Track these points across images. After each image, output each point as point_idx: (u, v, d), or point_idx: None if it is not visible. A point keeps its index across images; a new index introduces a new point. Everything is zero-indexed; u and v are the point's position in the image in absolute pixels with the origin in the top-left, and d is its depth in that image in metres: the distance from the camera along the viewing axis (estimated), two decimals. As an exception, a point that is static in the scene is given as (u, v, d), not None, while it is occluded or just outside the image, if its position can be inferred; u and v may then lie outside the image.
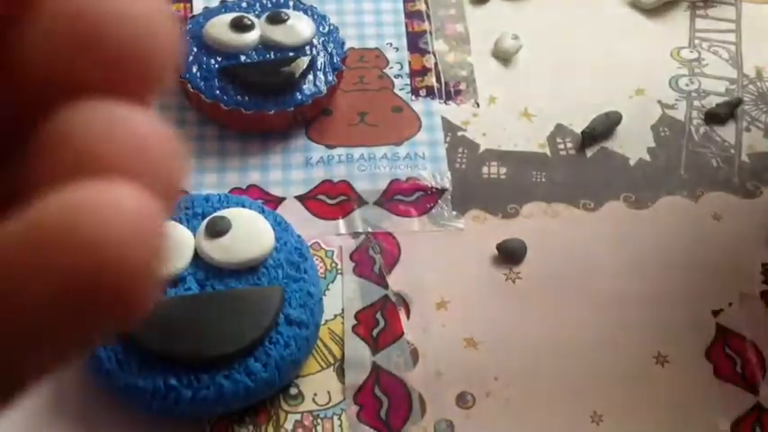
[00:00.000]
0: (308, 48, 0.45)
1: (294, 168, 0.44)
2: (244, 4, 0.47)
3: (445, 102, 0.47)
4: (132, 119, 0.12)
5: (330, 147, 0.45)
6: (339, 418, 0.36)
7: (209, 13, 0.46)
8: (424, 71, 0.49)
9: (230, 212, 0.37)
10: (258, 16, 0.46)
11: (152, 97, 0.13)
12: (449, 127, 0.46)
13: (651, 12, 0.53)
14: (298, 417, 0.36)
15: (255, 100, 0.43)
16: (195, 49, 0.45)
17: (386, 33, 0.50)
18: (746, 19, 0.53)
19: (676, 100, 0.48)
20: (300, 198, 0.43)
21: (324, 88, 0.44)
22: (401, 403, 0.36)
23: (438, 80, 0.48)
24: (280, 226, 0.38)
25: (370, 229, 0.42)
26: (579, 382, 0.37)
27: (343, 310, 0.39)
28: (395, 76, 0.48)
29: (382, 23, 0.51)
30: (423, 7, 0.52)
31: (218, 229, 0.36)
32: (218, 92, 0.43)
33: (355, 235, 0.42)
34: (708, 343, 0.39)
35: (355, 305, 0.39)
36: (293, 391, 0.36)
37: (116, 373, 0.34)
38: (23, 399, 0.12)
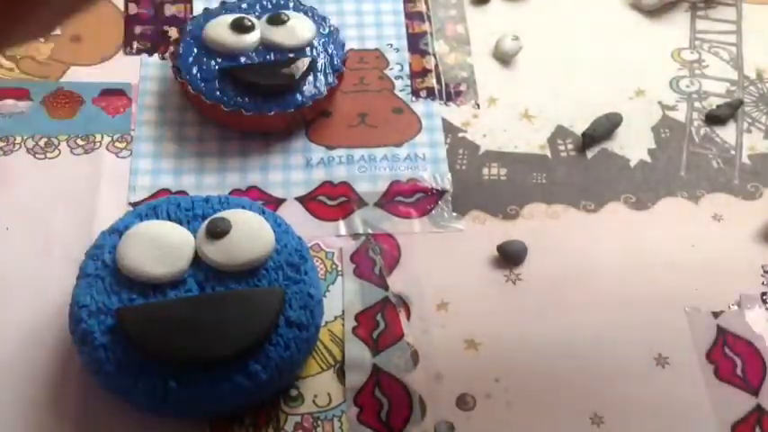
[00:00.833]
0: (308, 49, 0.45)
1: (294, 169, 0.44)
2: (244, 6, 0.47)
3: (445, 103, 0.47)
4: None
5: (330, 148, 0.45)
6: (339, 420, 0.36)
7: (209, 15, 0.46)
8: (425, 72, 0.49)
9: (230, 214, 0.37)
10: (258, 17, 0.46)
11: None
12: (449, 128, 0.46)
13: (652, 13, 0.53)
14: (298, 418, 0.36)
15: (256, 101, 0.43)
16: (195, 51, 0.45)
17: (386, 34, 0.50)
18: (747, 20, 0.53)
19: (677, 101, 0.48)
20: (301, 199, 0.43)
21: (324, 89, 0.44)
22: (401, 405, 0.36)
23: (438, 81, 0.48)
24: (280, 227, 0.38)
25: (370, 231, 0.42)
26: (579, 383, 0.37)
27: (343, 311, 0.39)
28: (395, 78, 0.48)
29: (382, 24, 0.51)
30: (423, 8, 0.52)
31: (218, 231, 0.36)
32: (218, 93, 0.43)
33: (356, 236, 0.42)
34: (708, 344, 0.39)
35: (355, 307, 0.39)
36: (293, 392, 0.36)
37: (116, 374, 0.34)
38: None
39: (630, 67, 0.50)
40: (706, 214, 0.43)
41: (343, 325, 0.39)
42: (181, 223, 0.37)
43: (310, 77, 0.44)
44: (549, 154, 0.46)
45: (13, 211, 0.41)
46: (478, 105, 0.47)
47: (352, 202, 0.43)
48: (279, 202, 0.43)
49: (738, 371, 0.38)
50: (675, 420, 0.36)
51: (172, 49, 0.46)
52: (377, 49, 0.50)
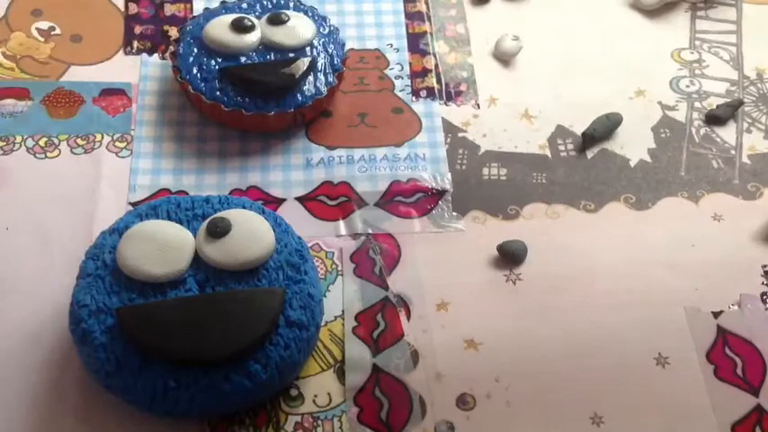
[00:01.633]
0: (308, 49, 0.45)
1: (294, 169, 0.44)
2: (244, 5, 0.47)
3: (446, 103, 0.47)
4: None
5: (330, 148, 0.45)
6: (339, 420, 0.36)
7: (209, 15, 0.46)
8: (425, 72, 0.49)
9: (231, 214, 0.37)
10: (259, 17, 0.46)
11: None
12: (449, 128, 0.46)
13: (651, 13, 0.53)
14: (298, 418, 0.36)
15: (256, 101, 0.43)
16: (195, 51, 0.45)
17: (386, 34, 0.50)
18: (747, 20, 0.53)
19: (677, 101, 0.48)
20: (301, 199, 0.43)
21: (324, 89, 0.44)
22: (401, 405, 0.36)
23: (438, 81, 0.48)
24: (280, 227, 0.38)
25: (370, 231, 0.42)
26: (579, 383, 0.37)
27: (343, 311, 0.39)
28: (395, 78, 0.48)
29: (383, 24, 0.51)
30: (423, 8, 0.52)
31: (218, 231, 0.36)
32: (218, 93, 0.43)
33: (356, 236, 0.42)
34: (708, 344, 0.39)
35: (355, 307, 0.39)
36: (293, 392, 0.36)
37: (116, 374, 0.34)
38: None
39: (630, 67, 0.50)
40: (706, 214, 0.43)
41: (343, 325, 0.39)
42: (181, 223, 0.37)
43: (310, 77, 0.44)
44: (549, 154, 0.46)
45: (13, 211, 0.41)
46: (478, 105, 0.47)
47: (353, 202, 0.43)
48: (279, 202, 0.43)
49: (738, 371, 0.38)
50: (675, 420, 0.36)
51: (172, 49, 0.46)
52: (377, 49, 0.50)
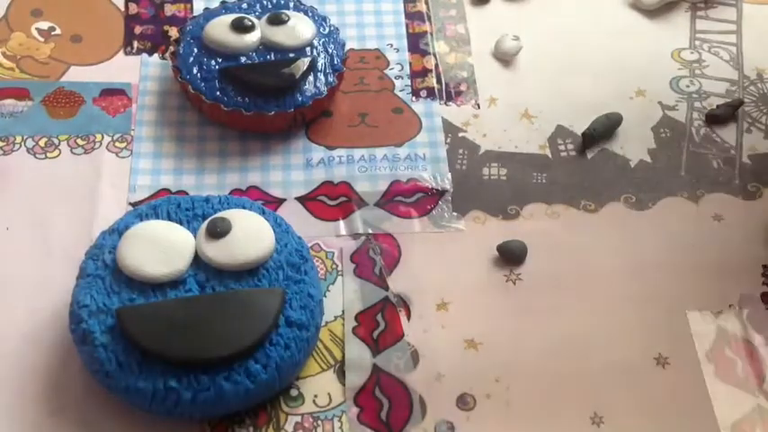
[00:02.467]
0: (308, 49, 0.45)
1: (294, 169, 0.44)
2: (244, 6, 0.47)
3: (446, 103, 0.47)
4: None
5: (330, 148, 0.45)
6: (339, 420, 0.36)
7: (209, 15, 0.46)
8: (425, 72, 0.49)
9: (231, 214, 0.37)
10: (259, 17, 0.46)
11: None
12: (449, 128, 0.46)
13: (652, 13, 0.53)
14: (298, 418, 0.36)
15: (256, 101, 0.43)
16: (195, 51, 0.45)
17: (386, 34, 0.50)
18: (747, 20, 0.53)
19: (677, 101, 0.48)
20: (301, 199, 0.43)
21: (324, 89, 0.44)
22: (402, 405, 0.36)
23: (438, 81, 0.48)
24: (280, 227, 0.38)
25: (370, 231, 0.42)
26: (579, 383, 0.37)
27: (343, 311, 0.39)
28: (395, 78, 0.48)
29: (383, 24, 0.51)
30: (423, 8, 0.52)
31: (218, 231, 0.36)
32: (218, 93, 0.43)
33: (356, 236, 0.42)
34: (709, 344, 0.39)
35: (356, 307, 0.39)
36: (293, 392, 0.36)
37: (116, 374, 0.34)
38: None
39: (630, 67, 0.50)
40: (706, 214, 0.43)
41: (343, 325, 0.38)
42: (181, 223, 0.37)
43: (310, 77, 0.44)
44: (549, 154, 0.46)
45: (13, 211, 0.41)
46: (479, 105, 0.47)
47: (353, 202, 0.43)
48: (279, 202, 0.43)
49: (738, 371, 0.38)
50: (675, 420, 0.36)
51: (172, 49, 0.46)
52: (377, 49, 0.50)
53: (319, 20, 0.47)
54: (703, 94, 0.49)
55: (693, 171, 0.45)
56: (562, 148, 0.46)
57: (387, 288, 0.40)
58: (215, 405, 0.34)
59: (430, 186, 0.44)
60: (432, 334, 0.38)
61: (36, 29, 0.49)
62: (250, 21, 0.45)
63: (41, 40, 0.48)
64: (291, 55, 0.45)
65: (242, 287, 0.35)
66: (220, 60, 0.44)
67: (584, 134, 0.46)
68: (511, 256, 0.41)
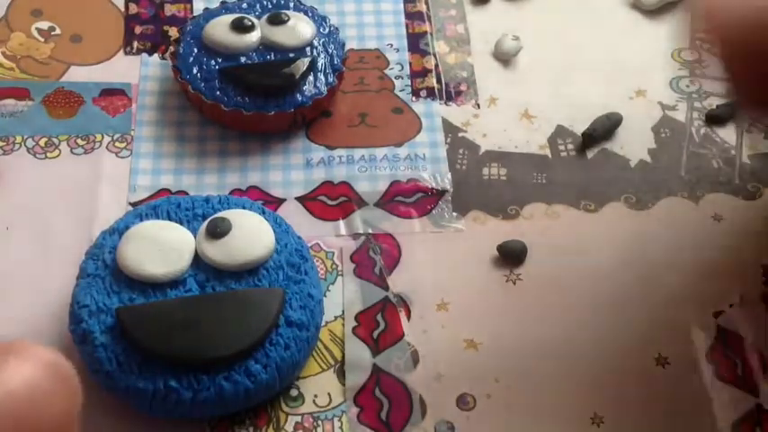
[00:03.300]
0: (308, 49, 0.45)
1: (294, 169, 0.44)
2: (244, 5, 0.47)
3: (446, 103, 0.47)
4: None
5: (330, 148, 0.45)
6: (339, 420, 0.36)
7: (209, 15, 0.46)
8: (425, 72, 0.49)
9: (231, 214, 0.37)
10: (258, 17, 0.46)
11: None
12: (449, 128, 0.46)
13: (652, 12, 0.53)
14: (298, 418, 0.36)
15: (256, 101, 0.43)
16: (195, 51, 0.45)
17: (386, 34, 0.50)
18: (747, 20, 0.53)
19: (677, 101, 0.48)
20: (301, 199, 0.43)
21: (324, 89, 0.44)
22: (401, 405, 0.36)
23: (438, 81, 0.48)
24: (280, 227, 0.38)
25: (370, 231, 0.42)
26: (580, 383, 0.37)
27: (343, 311, 0.39)
28: (395, 78, 0.48)
29: (383, 24, 0.51)
30: (423, 8, 0.52)
31: (218, 231, 0.36)
32: (218, 93, 0.43)
33: (356, 236, 0.42)
34: (708, 344, 0.39)
35: (356, 307, 0.39)
36: (293, 392, 0.36)
37: (116, 374, 0.34)
38: None
39: (630, 66, 0.50)
40: (706, 214, 0.43)
41: (343, 325, 0.39)
42: (181, 223, 0.37)
43: (310, 77, 0.44)
44: (549, 154, 0.46)
45: (13, 211, 0.41)
46: (479, 105, 0.47)
47: (353, 202, 0.43)
48: (279, 202, 0.43)
49: (738, 371, 0.38)
50: (675, 420, 0.36)
51: (172, 49, 0.46)
52: (377, 49, 0.50)
53: (319, 20, 0.47)
54: (703, 95, 0.49)
55: (693, 171, 0.45)
56: (562, 148, 0.46)
57: (387, 288, 0.40)
58: (215, 405, 0.34)
59: (430, 186, 0.44)
60: (432, 334, 0.38)
61: (36, 29, 0.49)
62: (250, 21, 0.45)
63: (41, 40, 0.48)
64: (291, 55, 0.45)
65: (242, 287, 0.35)
66: (220, 60, 0.44)
67: (584, 134, 0.46)
68: (511, 256, 0.41)
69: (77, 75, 0.47)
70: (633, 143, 0.46)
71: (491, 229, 0.42)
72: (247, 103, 0.43)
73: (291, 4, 0.47)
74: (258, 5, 0.47)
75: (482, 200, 0.43)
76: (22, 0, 0.50)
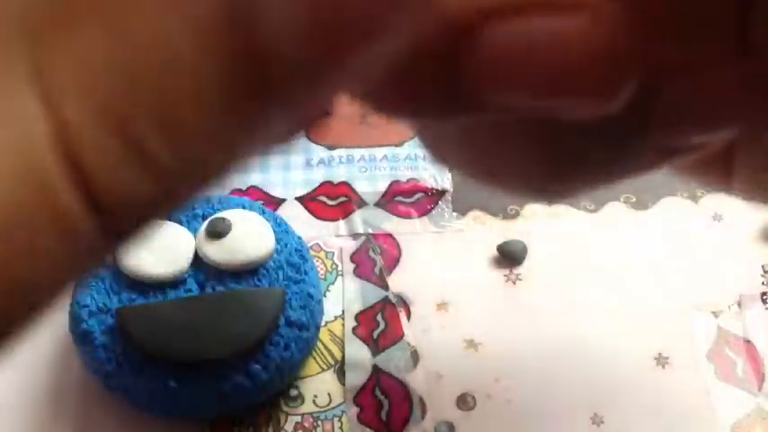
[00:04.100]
0: (308, 49, 0.45)
1: (294, 169, 0.44)
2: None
3: (446, 103, 0.47)
4: None
5: (330, 148, 0.45)
6: (339, 420, 0.36)
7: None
8: (425, 72, 0.48)
9: (230, 214, 0.37)
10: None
11: None
12: (449, 128, 0.46)
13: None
14: (298, 418, 0.36)
15: (256, 101, 0.43)
16: (195, 51, 0.45)
17: (386, 34, 0.50)
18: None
19: (677, 101, 0.48)
20: (301, 199, 0.43)
21: (324, 89, 0.44)
22: (401, 405, 0.36)
23: (438, 81, 0.48)
24: (280, 227, 0.38)
25: (370, 231, 0.42)
26: (579, 383, 0.37)
27: (343, 311, 0.39)
28: (395, 77, 0.48)
29: (383, 24, 0.51)
30: (423, 8, 0.52)
31: (218, 231, 0.36)
32: (218, 93, 0.43)
33: (356, 236, 0.42)
34: (708, 345, 0.39)
35: (355, 307, 0.39)
36: (293, 392, 0.36)
37: (116, 374, 0.34)
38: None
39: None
40: (706, 214, 0.43)
41: (343, 325, 0.38)
42: (181, 223, 0.37)
43: (310, 77, 0.44)
44: (549, 154, 0.45)
45: (13, 211, 0.41)
46: (478, 105, 0.47)
47: (353, 202, 0.43)
48: (279, 202, 0.43)
49: (738, 371, 0.38)
50: (675, 420, 0.36)
51: (172, 48, 0.45)
52: (377, 49, 0.49)
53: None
54: (703, 94, 0.49)
55: (693, 171, 0.45)
56: (562, 148, 0.46)
57: (387, 288, 0.40)
58: (215, 405, 0.34)
59: (430, 186, 0.44)
60: (432, 334, 0.38)
61: (36, 29, 0.49)
62: (250, 21, 0.45)
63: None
64: (291, 55, 0.45)
65: (242, 287, 0.35)
66: (220, 60, 0.44)
67: (584, 134, 0.46)
68: (511, 256, 0.41)
69: (77, 75, 0.47)
70: (633, 143, 0.46)
71: (491, 228, 0.42)
72: (247, 103, 0.43)
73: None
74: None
75: (482, 200, 0.43)
76: (21, 0, 0.50)
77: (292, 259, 0.37)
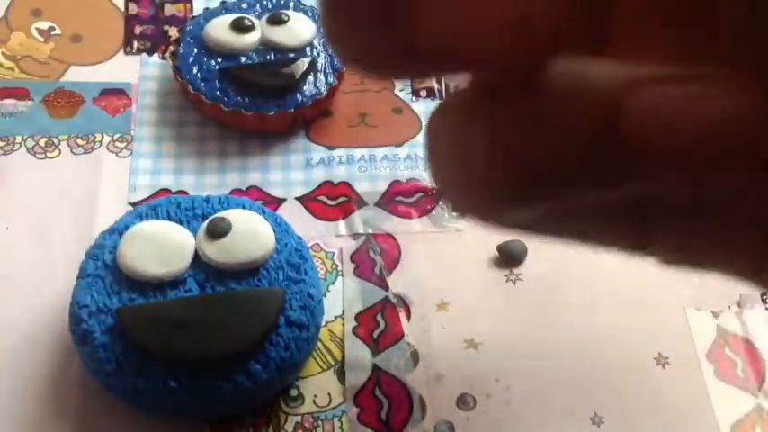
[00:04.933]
0: (308, 49, 0.45)
1: (294, 169, 0.44)
2: (244, 5, 0.47)
3: (446, 103, 0.47)
4: None
5: (330, 148, 0.45)
6: (339, 420, 0.36)
7: (209, 14, 0.46)
8: (425, 72, 0.48)
9: (230, 214, 0.37)
10: (259, 17, 0.46)
11: None
12: (449, 128, 0.46)
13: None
14: (298, 418, 0.36)
15: (256, 101, 0.43)
16: (195, 51, 0.45)
17: (386, 34, 0.50)
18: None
19: (677, 101, 0.48)
20: (301, 199, 0.43)
21: (324, 89, 0.44)
22: (401, 405, 0.36)
23: (438, 81, 0.48)
24: (280, 227, 0.38)
25: (370, 231, 0.42)
26: (580, 383, 0.37)
27: (343, 311, 0.39)
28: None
29: (383, 24, 0.51)
30: (423, 8, 0.52)
31: (218, 231, 0.36)
32: (218, 93, 0.43)
33: (356, 236, 0.42)
34: (708, 344, 0.39)
35: (355, 307, 0.39)
36: (293, 392, 0.36)
37: (116, 374, 0.33)
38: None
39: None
40: (706, 214, 0.43)
41: (343, 325, 0.39)
42: (181, 223, 0.37)
43: (310, 77, 0.44)
44: (549, 154, 0.45)
45: (13, 212, 0.41)
46: (478, 105, 0.47)
47: (353, 202, 0.43)
48: (279, 202, 0.43)
49: (738, 371, 0.38)
50: (675, 420, 0.36)
51: (172, 48, 0.46)
52: (377, 49, 0.49)
53: (319, 20, 0.47)
54: (703, 94, 0.49)
55: (693, 171, 0.45)
56: (562, 148, 0.46)
57: (387, 288, 0.40)
58: (215, 405, 0.34)
59: (430, 186, 0.44)
60: (432, 334, 0.38)
61: (36, 29, 0.49)
62: (250, 21, 0.45)
63: (41, 39, 0.48)
64: (291, 55, 0.45)
65: (242, 287, 0.35)
66: (220, 60, 0.44)
67: (584, 134, 0.46)
68: (511, 256, 0.41)
69: (77, 75, 0.47)
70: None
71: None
72: (247, 103, 0.43)
73: (291, 4, 0.47)
74: (258, 5, 0.47)
75: (482, 200, 0.43)
76: (22, 0, 0.50)
77: (292, 259, 0.37)
